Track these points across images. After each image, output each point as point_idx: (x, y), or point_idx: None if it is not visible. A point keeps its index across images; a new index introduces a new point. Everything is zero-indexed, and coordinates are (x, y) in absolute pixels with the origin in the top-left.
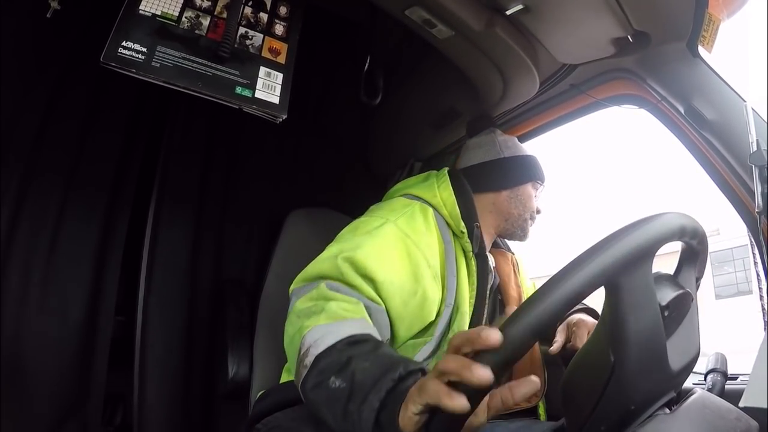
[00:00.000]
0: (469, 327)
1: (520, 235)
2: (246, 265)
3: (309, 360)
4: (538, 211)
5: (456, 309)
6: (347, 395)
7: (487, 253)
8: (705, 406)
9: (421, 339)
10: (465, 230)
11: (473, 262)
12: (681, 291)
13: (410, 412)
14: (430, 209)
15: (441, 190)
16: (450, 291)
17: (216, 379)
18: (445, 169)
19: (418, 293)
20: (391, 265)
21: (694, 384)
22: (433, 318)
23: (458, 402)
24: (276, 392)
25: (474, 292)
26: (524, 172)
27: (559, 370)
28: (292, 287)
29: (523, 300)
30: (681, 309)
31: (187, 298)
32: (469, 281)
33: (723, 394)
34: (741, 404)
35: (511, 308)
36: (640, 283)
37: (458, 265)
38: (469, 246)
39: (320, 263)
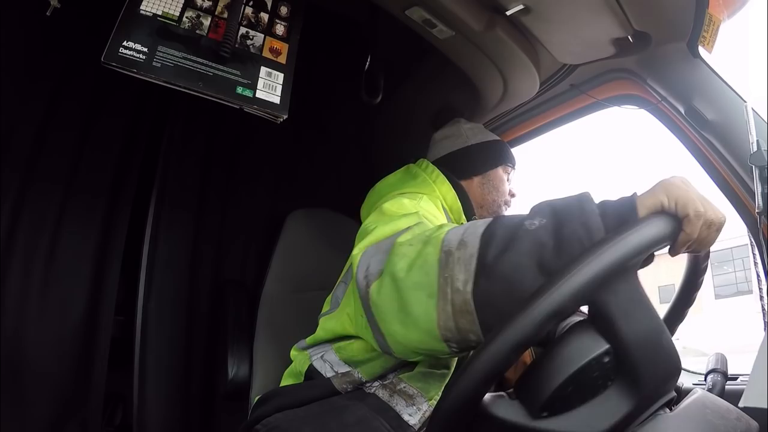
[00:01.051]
0: None
1: None
2: (246, 266)
3: (473, 244)
4: (512, 195)
5: None
6: (555, 224)
7: None
8: (705, 406)
9: None
10: (465, 221)
11: None
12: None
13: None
14: (438, 201)
15: (438, 184)
16: None
17: (216, 379)
18: (425, 162)
19: None
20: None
21: (694, 384)
22: None
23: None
24: (275, 396)
25: None
26: (493, 156)
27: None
28: (362, 252)
29: None
30: None
31: (187, 299)
32: None
33: (723, 394)
34: (741, 404)
35: None
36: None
37: None
38: None
39: (375, 232)
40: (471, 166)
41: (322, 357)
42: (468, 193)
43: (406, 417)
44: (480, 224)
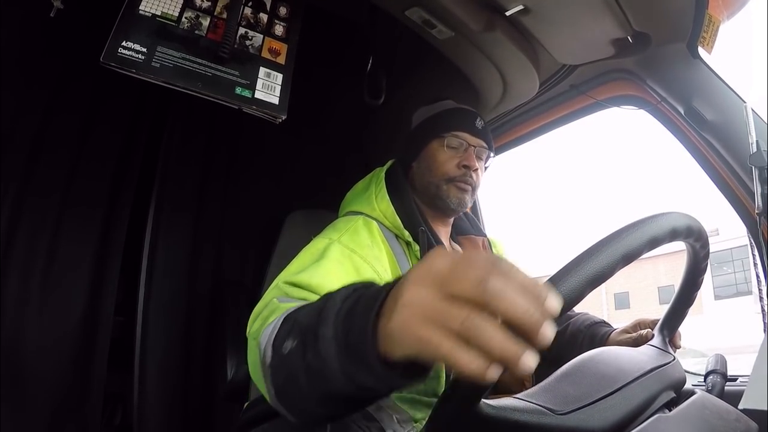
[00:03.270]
0: None
1: (445, 203)
2: (245, 267)
3: (268, 356)
4: (464, 167)
5: None
6: (302, 350)
7: (451, 244)
8: (705, 407)
9: None
10: (410, 239)
11: None
12: None
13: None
14: (374, 223)
15: (378, 201)
16: None
17: (215, 379)
18: (382, 173)
19: None
20: (338, 281)
21: (693, 385)
22: None
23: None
24: (263, 401)
25: None
26: (422, 134)
27: (543, 362)
28: (248, 330)
29: None
30: None
31: (186, 299)
32: None
33: (722, 395)
34: (740, 406)
35: None
36: None
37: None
38: (418, 254)
39: (265, 296)
40: (408, 156)
41: None
42: (414, 193)
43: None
44: (274, 326)
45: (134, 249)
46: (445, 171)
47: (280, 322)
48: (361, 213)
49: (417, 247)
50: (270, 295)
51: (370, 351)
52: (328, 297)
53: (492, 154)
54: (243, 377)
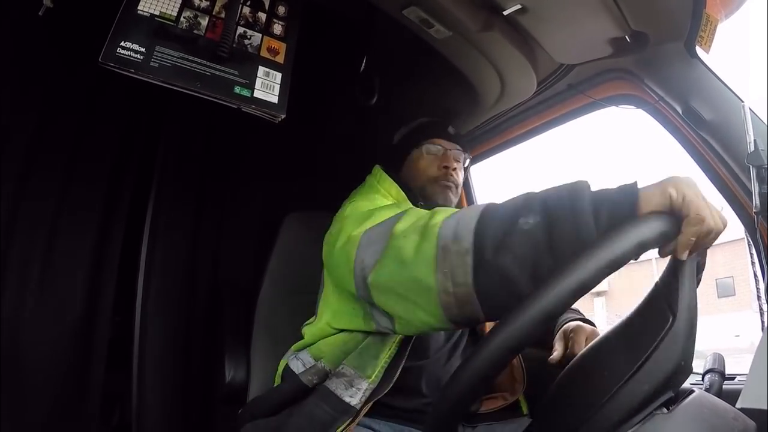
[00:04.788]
0: None
1: (432, 203)
2: (243, 267)
3: (467, 239)
4: (445, 167)
5: None
6: (547, 224)
7: None
8: (703, 406)
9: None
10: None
11: None
12: None
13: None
14: (387, 198)
15: (381, 183)
16: None
17: (214, 380)
18: (377, 166)
19: None
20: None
21: (691, 384)
22: None
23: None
24: (252, 403)
25: None
26: (401, 148)
27: (537, 365)
28: (356, 245)
29: None
30: None
31: (184, 300)
32: None
33: (721, 394)
34: (738, 405)
35: None
36: None
37: None
38: None
39: (351, 239)
40: (393, 170)
41: (296, 356)
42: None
43: (347, 399)
44: (472, 214)
45: (132, 249)
46: (428, 174)
47: (475, 217)
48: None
49: None
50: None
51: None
52: (570, 189)
53: (467, 157)
54: (241, 379)
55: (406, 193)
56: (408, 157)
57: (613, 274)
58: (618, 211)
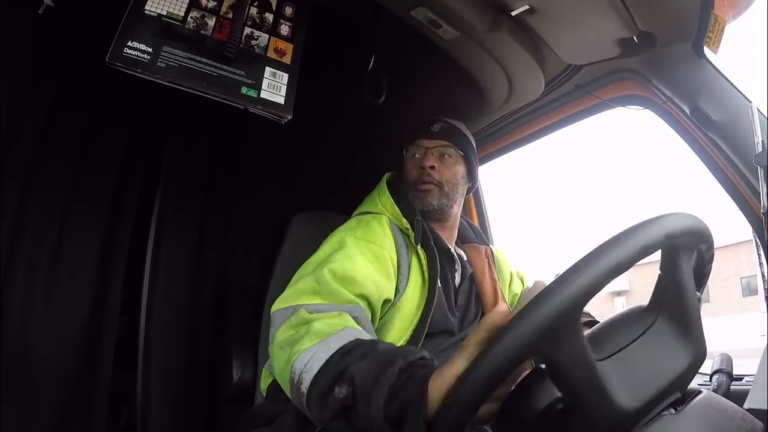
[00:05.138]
0: (420, 316)
1: (420, 205)
2: (250, 268)
3: (305, 386)
4: (420, 168)
5: (403, 297)
6: (354, 400)
7: (456, 250)
8: (710, 407)
9: None
10: (408, 225)
11: (421, 253)
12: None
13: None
14: (384, 217)
15: (380, 197)
16: (401, 284)
17: (220, 381)
18: (384, 178)
19: (389, 288)
20: (365, 267)
21: (699, 385)
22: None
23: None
24: (250, 415)
25: (426, 283)
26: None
27: None
28: (272, 310)
29: (498, 292)
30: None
31: (191, 300)
32: (420, 273)
33: (728, 394)
34: (746, 406)
35: (487, 300)
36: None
37: (411, 261)
38: (413, 240)
39: (299, 283)
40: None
41: None
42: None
43: None
44: (320, 357)
45: (139, 249)
46: (410, 178)
47: (323, 359)
48: (368, 212)
49: (411, 232)
50: (305, 284)
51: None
52: (385, 363)
53: (459, 150)
54: (248, 379)
55: (403, 206)
56: (403, 167)
57: (634, 274)
58: (408, 401)
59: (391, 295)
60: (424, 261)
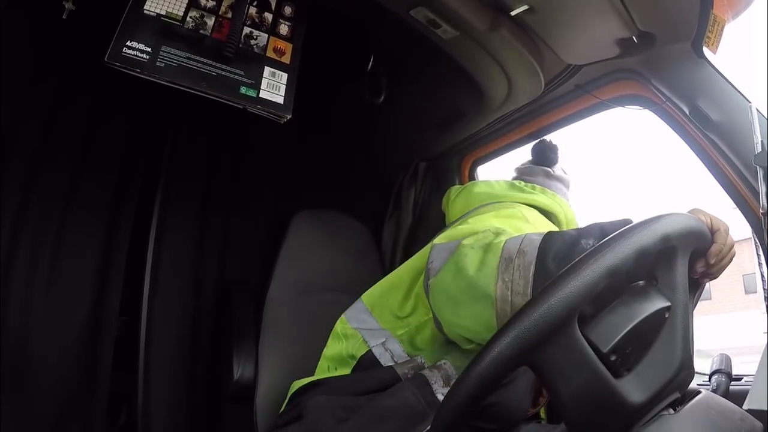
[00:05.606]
0: None
1: None
2: (251, 267)
3: (531, 253)
4: None
5: None
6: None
7: None
8: (709, 407)
9: None
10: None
11: None
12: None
13: None
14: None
15: (561, 203)
16: None
17: (221, 380)
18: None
19: None
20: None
21: (698, 385)
22: None
23: None
24: (320, 385)
25: None
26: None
27: None
28: (432, 248)
29: None
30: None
31: (191, 299)
32: None
33: (728, 395)
34: (745, 406)
35: None
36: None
37: None
38: None
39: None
40: None
41: (383, 344)
42: None
43: (439, 396)
44: (534, 237)
45: (139, 248)
46: None
47: (536, 240)
48: (535, 207)
49: None
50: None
51: None
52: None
53: None
54: (249, 378)
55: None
56: None
57: None
58: None
59: None
60: None
